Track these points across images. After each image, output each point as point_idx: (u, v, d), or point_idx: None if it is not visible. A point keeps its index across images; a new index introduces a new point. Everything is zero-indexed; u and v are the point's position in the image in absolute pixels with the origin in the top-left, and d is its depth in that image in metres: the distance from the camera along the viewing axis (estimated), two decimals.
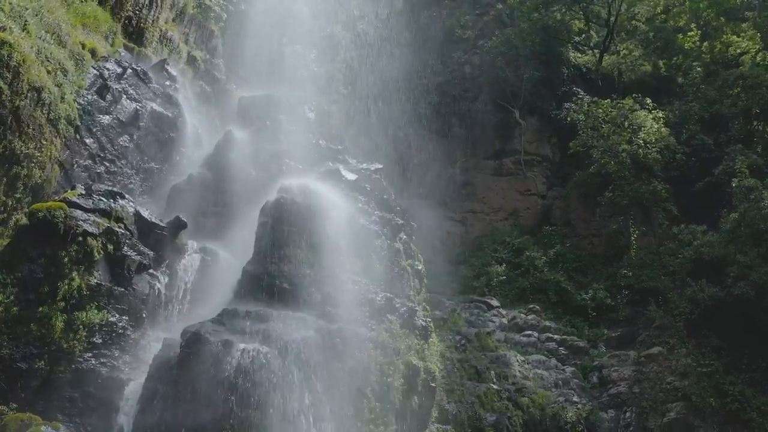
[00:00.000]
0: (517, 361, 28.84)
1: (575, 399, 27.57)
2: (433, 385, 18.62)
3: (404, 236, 20.90)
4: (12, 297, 14.63)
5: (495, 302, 34.05)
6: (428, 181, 41.00)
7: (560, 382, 28.57)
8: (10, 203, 16.27)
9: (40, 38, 17.48)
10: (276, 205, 16.99)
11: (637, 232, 34.50)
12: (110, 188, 17.27)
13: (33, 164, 16.74)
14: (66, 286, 15.10)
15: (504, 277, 35.52)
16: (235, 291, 16.10)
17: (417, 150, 41.38)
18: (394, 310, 17.96)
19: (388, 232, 19.26)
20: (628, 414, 27.39)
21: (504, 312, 33.48)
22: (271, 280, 15.86)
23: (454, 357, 27.16)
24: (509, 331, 31.87)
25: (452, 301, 32.55)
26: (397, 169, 39.03)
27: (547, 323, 32.34)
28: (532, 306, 33.60)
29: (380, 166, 22.44)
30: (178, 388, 14.07)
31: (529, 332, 31.54)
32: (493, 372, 27.47)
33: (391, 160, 38.24)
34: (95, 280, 15.59)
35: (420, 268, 21.34)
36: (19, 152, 16.28)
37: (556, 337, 31.38)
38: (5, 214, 16.17)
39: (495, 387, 26.32)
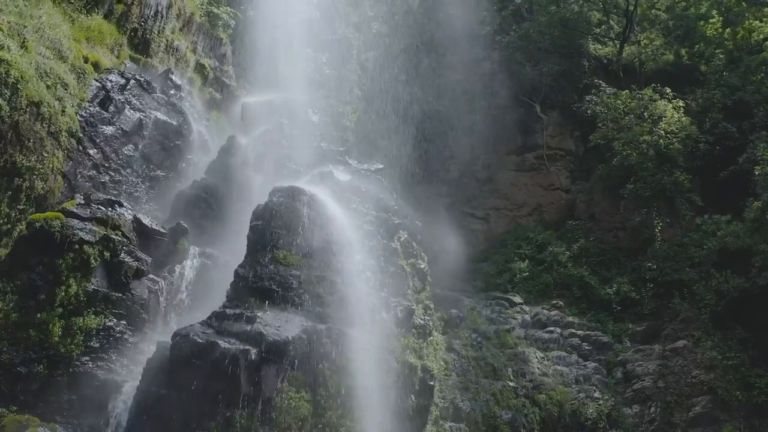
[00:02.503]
0: (537, 357, 28.65)
1: (596, 395, 27.31)
2: (431, 383, 18.67)
3: (405, 235, 20.96)
4: (12, 304, 15.26)
5: (518, 299, 33.83)
6: (450, 179, 40.96)
7: (581, 378, 28.31)
8: (14, 214, 16.87)
9: (39, 54, 18.09)
10: (266, 209, 17.29)
11: (661, 224, 33.90)
12: (108, 197, 17.83)
13: (35, 176, 17.33)
14: (63, 293, 15.67)
15: (527, 273, 35.28)
16: (228, 293, 16.42)
17: (438, 148, 41.34)
18: (390, 309, 18.07)
19: (384, 232, 19.37)
20: (652, 409, 27.05)
21: (527, 308, 33.25)
22: (261, 282, 16.16)
23: (470, 355, 27.09)
24: (532, 327, 31.62)
25: (472, 299, 32.42)
26: (418, 167, 39.10)
27: (571, 319, 32.02)
28: (555, 302, 33.32)
29: (381, 167, 22.58)
30: (169, 390, 14.43)
31: (552, 328, 31.27)
32: (510, 369, 27.32)
33: (411, 159, 38.36)
34: (92, 287, 16.12)
35: (423, 266, 21.40)
36: (20, 165, 16.88)
37: (579, 332, 31.05)
38: (9, 225, 16.76)
39: (512, 384, 26.19)
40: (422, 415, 18.51)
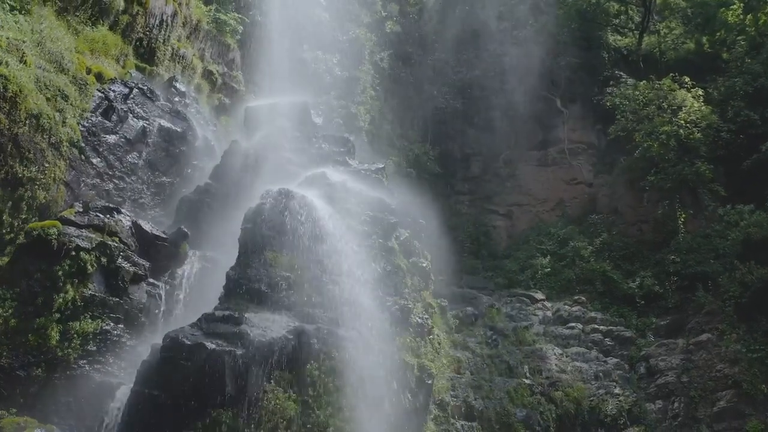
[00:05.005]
0: (555, 354, 28.42)
1: (617, 391, 27.00)
2: (429, 382, 18.65)
3: (406, 234, 20.99)
4: (11, 310, 15.74)
5: (540, 295, 33.63)
6: (471, 176, 40.87)
7: (601, 374, 28.01)
8: (16, 224, 17.42)
9: (39, 68, 18.65)
10: (256, 211, 17.56)
11: (684, 215, 33.24)
12: (106, 204, 18.28)
13: (37, 186, 17.88)
14: (61, 299, 16.12)
15: (549, 269, 35.06)
16: (220, 296, 16.71)
17: (457, 145, 41.30)
18: (385, 308, 18.11)
19: (380, 231, 19.42)
20: (676, 404, 26.65)
21: (549, 305, 33.03)
22: (250, 284, 16.41)
23: (485, 353, 27.02)
24: (553, 324, 31.42)
25: (491, 297, 32.30)
26: (438, 166, 39.08)
27: (593, 314, 31.71)
28: (577, 297, 33.05)
29: (381, 166, 22.62)
30: (160, 391, 14.74)
31: (573, 324, 31.00)
32: (526, 366, 27.18)
33: (430, 157, 38.37)
34: (89, 292, 16.55)
35: (425, 265, 21.38)
36: (21, 176, 17.45)
37: (601, 327, 30.75)
38: (12, 234, 17.32)
39: (527, 382, 26.03)
40: (420, 413, 18.51)
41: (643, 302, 31.68)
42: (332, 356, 15.69)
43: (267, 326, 15.31)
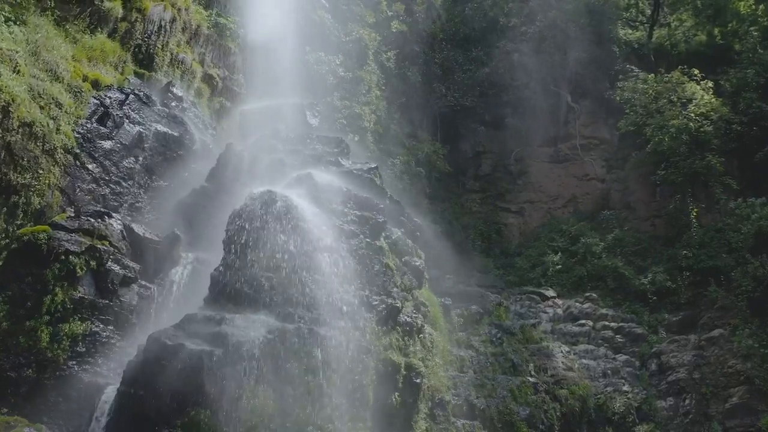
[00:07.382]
0: (562, 352, 28.24)
1: (625, 388, 26.86)
2: (417, 380, 18.66)
3: (399, 233, 21.06)
4: (3, 313, 16.27)
5: (551, 292, 33.42)
6: (482, 174, 40.72)
7: (609, 371, 27.80)
8: (11, 230, 17.88)
9: (33, 77, 19.12)
10: (240, 213, 17.76)
11: (696, 209, 32.75)
12: (98, 209, 18.69)
13: (31, 192, 18.34)
14: (50, 301, 16.56)
15: (560, 266, 34.81)
16: (205, 297, 16.95)
17: (468, 144, 41.19)
18: (371, 308, 18.16)
19: (368, 231, 19.47)
20: (687, 401, 26.54)
21: (560, 302, 32.78)
22: (233, 284, 16.60)
23: (489, 351, 26.95)
24: (563, 321, 31.22)
25: (500, 295, 32.15)
26: (449, 164, 39.03)
27: (604, 311, 31.40)
28: (588, 294, 32.72)
29: (374, 166, 22.66)
30: (144, 390, 15.03)
31: (583, 321, 30.76)
32: (532, 365, 27.05)
33: (440, 156, 38.34)
34: (79, 294, 16.97)
35: (418, 264, 21.39)
36: (15, 183, 17.91)
37: (612, 324, 30.49)
38: (7, 240, 17.76)
39: (531, 380, 25.93)
40: (408, 412, 18.55)
41: (655, 298, 31.31)
42: (313, 355, 15.81)
43: (248, 326, 15.51)
